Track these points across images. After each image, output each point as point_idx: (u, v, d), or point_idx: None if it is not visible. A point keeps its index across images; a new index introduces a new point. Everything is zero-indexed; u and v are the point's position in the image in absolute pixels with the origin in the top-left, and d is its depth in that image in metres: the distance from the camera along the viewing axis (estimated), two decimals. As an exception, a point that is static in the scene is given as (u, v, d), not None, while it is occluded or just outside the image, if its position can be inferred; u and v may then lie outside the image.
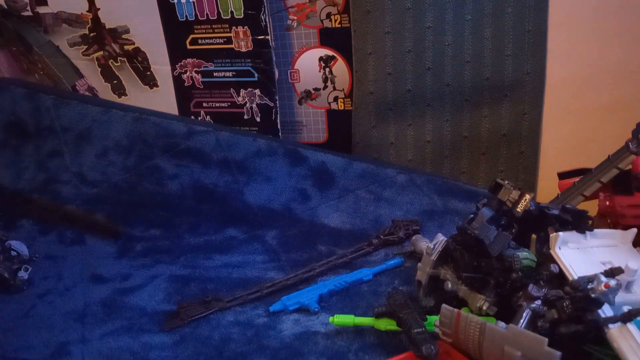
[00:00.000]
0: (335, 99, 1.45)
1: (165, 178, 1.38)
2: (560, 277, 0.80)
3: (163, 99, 1.53)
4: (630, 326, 0.68)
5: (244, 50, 1.40)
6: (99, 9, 1.48)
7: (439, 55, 1.29)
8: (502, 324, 0.71)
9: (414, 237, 1.13)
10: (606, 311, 0.73)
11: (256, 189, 1.35)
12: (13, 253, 1.17)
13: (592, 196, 1.00)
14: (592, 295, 0.71)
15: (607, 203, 0.98)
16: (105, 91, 1.59)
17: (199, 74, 1.47)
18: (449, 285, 0.87)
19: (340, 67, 1.41)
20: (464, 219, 0.91)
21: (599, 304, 0.71)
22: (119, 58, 1.53)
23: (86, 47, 1.54)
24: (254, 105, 1.46)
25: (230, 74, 1.45)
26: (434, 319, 0.81)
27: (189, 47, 1.44)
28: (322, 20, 1.37)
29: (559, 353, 0.64)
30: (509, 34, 1.25)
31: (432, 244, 0.93)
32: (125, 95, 1.59)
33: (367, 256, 1.15)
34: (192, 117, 1.52)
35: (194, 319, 0.99)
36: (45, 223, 1.34)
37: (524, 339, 0.67)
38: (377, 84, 1.34)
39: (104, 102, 1.51)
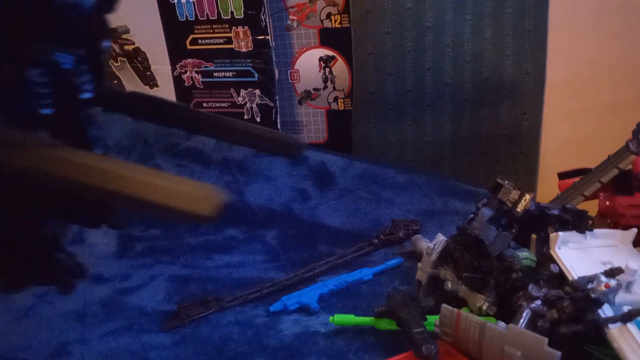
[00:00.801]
0: (335, 99, 1.45)
1: (165, 178, 1.38)
2: (560, 277, 0.80)
3: (163, 99, 1.53)
4: (630, 326, 0.68)
5: (244, 50, 1.40)
6: (99, 9, 1.48)
7: (439, 55, 1.29)
8: (502, 324, 0.71)
9: (414, 237, 1.13)
10: (606, 311, 0.73)
11: (256, 189, 1.35)
12: (13, 253, 1.17)
13: (592, 196, 1.00)
14: (592, 295, 0.71)
15: (607, 203, 0.98)
16: (105, 91, 1.59)
17: (199, 74, 1.47)
18: (449, 285, 0.87)
19: (340, 67, 1.41)
20: (464, 219, 0.91)
21: (599, 304, 0.71)
22: (119, 58, 1.53)
23: (86, 47, 1.54)
24: (254, 105, 1.46)
25: (230, 74, 1.45)
26: (434, 319, 0.81)
27: (189, 47, 1.45)
28: (322, 21, 1.38)
29: (559, 353, 0.64)
30: (509, 34, 1.25)
31: (432, 244, 0.93)
32: (125, 95, 1.58)
33: (367, 256, 1.15)
34: (192, 117, 1.52)
35: (194, 319, 0.99)
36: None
37: (524, 339, 0.67)
38: (377, 84, 1.34)
39: (104, 102, 1.50)
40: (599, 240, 0.89)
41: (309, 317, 0.97)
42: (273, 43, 1.39)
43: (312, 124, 1.50)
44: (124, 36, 1.49)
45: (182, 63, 1.47)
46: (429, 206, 1.26)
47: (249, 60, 1.41)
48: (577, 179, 1.02)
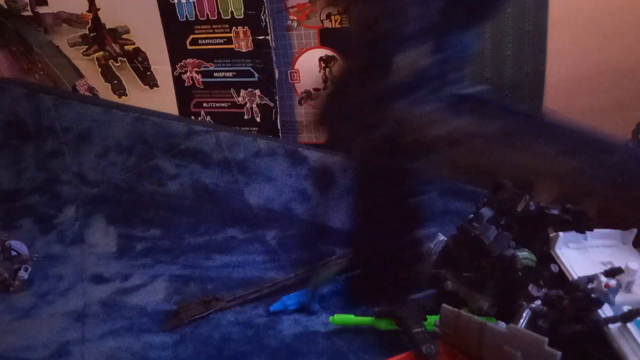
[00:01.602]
0: (336, 99, 1.45)
1: (166, 178, 1.38)
2: (560, 277, 0.80)
3: (163, 99, 1.53)
4: (630, 326, 0.68)
5: (244, 50, 1.40)
6: (99, 9, 1.48)
7: (439, 55, 1.29)
8: (502, 324, 0.71)
9: (414, 237, 1.13)
10: (606, 311, 0.73)
11: (256, 189, 1.35)
12: (13, 253, 1.17)
13: (592, 196, 1.00)
14: (592, 295, 0.71)
15: (607, 203, 0.97)
16: (105, 91, 1.59)
17: (199, 74, 1.47)
18: (449, 285, 0.87)
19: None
20: (464, 219, 0.91)
21: (599, 304, 0.71)
22: (119, 58, 1.53)
23: (86, 47, 1.54)
24: (254, 106, 1.46)
25: (230, 74, 1.45)
26: (434, 319, 0.81)
27: (189, 47, 1.45)
28: (322, 21, 1.37)
29: (559, 353, 0.64)
30: (509, 34, 1.25)
31: (432, 244, 0.93)
32: (126, 95, 1.59)
33: (367, 256, 1.15)
34: (192, 117, 1.52)
35: (194, 319, 0.99)
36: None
37: (524, 339, 0.67)
38: (377, 84, 1.34)
39: (104, 102, 1.51)
40: (599, 240, 0.89)
41: (309, 317, 0.97)
42: (273, 43, 1.39)
43: (312, 124, 1.50)
44: (124, 36, 1.49)
45: (182, 63, 1.47)
46: (429, 206, 1.26)
47: (249, 61, 1.41)
48: (577, 179, 1.02)
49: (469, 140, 0.65)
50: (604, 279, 0.71)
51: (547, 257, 0.85)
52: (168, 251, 1.24)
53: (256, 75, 1.42)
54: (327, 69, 1.43)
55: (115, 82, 1.57)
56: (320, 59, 1.42)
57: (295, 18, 1.39)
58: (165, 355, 0.91)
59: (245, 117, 1.47)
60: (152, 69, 1.52)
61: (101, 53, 1.54)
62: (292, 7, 1.37)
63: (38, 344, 0.95)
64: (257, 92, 1.44)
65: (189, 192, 1.37)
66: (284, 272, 1.12)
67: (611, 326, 0.70)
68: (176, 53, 1.47)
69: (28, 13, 1.54)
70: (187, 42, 1.44)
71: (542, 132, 0.81)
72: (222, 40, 1.41)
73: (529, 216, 0.88)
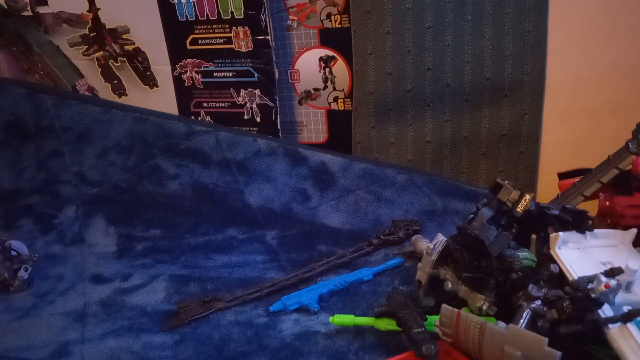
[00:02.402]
0: (335, 99, 1.45)
1: (166, 178, 1.38)
2: (560, 277, 0.80)
3: (163, 99, 1.53)
4: (630, 326, 0.68)
5: (244, 50, 1.40)
6: (99, 9, 1.48)
7: (439, 55, 1.29)
8: (502, 324, 0.71)
9: (414, 237, 1.13)
10: (606, 311, 0.73)
11: (256, 189, 1.35)
12: (13, 253, 1.17)
13: (592, 196, 1.00)
14: (592, 295, 0.71)
15: (607, 203, 0.97)
16: (105, 91, 1.59)
17: (199, 74, 1.47)
18: (449, 285, 0.87)
19: (340, 67, 1.41)
20: (464, 219, 0.91)
21: (599, 304, 0.71)
22: (119, 58, 1.53)
23: (86, 47, 1.54)
24: (254, 106, 1.46)
25: (230, 74, 1.45)
26: (434, 319, 0.81)
27: (189, 47, 1.45)
28: (322, 21, 1.38)
29: (559, 353, 0.64)
30: (509, 34, 1.25)
31: (432, 244, 0.92)
32: (126, 95, 1.59)
33: (367, 256, 1.15)
34: (192, 117, 1.52)
35: (193, 319, 0.99)
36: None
37: (524, 339, 0.67)
38: (377, 84, 1.34)
39: (104, 102, 1.51)
40: (599, 240, 0.89)
41: (309, 317, 0.97)
42: (273, 43, 1.39)
43: (312, 124, 1.50)
44: (124, 36, 1.49)
45: (182, 63, 1.47)
46: (429, 206, 1.26)
47: (249, 60, 1.41)
48: (577, 179, 1.02)
49: None
50: (603, 279, 0.71)
51: (547, 257, 0.85)
52: (168, 251, 1.24)
53: (256, 75, 1.42)
54: (327, 69, 1.43)
55: (115, 82, 1.57)
56: (320, 59, 1.42)
57: (295, 18, 1.39)
58: (165, 355, 0.91)
59: (245, 117, 1.47)
60: (152, 69, 1.52)
61: (101, 53, 1.54)
62: (292, 7, 1.38)
63: (38, 344, 0.95)
64: (257, 92, 1.44)
65: (189, 192, 1.36)
66: (284, 272, 1.12)
67: (611, 326, 0.70)
68: (176, 53, 1.47)
69: (28, 13, 1.54)
70: (187, 42, 1.44)
71: None
72: (222, 40, 1.41)
73: (529, 216, 0.88)
